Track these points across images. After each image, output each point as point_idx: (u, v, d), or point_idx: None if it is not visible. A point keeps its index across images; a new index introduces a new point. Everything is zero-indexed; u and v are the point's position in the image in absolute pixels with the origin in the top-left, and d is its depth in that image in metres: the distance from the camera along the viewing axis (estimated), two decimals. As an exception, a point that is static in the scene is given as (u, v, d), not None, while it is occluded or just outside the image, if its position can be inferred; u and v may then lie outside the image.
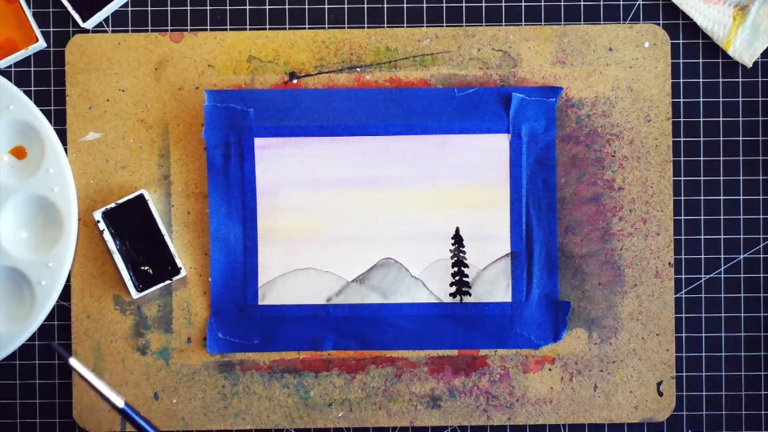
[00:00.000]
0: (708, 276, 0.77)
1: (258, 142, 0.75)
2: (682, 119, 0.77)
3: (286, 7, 0.77)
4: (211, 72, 0.76)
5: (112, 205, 0.74)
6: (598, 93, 0.76)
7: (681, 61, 0.77)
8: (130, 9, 0.77)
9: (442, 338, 0.76)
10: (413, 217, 0.76)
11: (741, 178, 0.77)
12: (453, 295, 0.76)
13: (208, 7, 0.77)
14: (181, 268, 0.74)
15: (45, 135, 0.75)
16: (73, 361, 0.64)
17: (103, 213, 0.74)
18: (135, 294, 0.74)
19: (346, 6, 0.77)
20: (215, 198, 0.75)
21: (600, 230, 0.76)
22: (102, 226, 0.74)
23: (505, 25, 0.77)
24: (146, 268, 0.75)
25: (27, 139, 0.76)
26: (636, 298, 0.76)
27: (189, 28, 0.77)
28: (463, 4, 0.77)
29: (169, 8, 0.77)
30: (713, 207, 0.77)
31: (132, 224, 0.74)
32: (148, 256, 0.75)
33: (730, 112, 0.77)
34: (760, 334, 0.77)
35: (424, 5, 0.77)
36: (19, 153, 0.76)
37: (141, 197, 0.74)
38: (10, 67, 0.77)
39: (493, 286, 0.76)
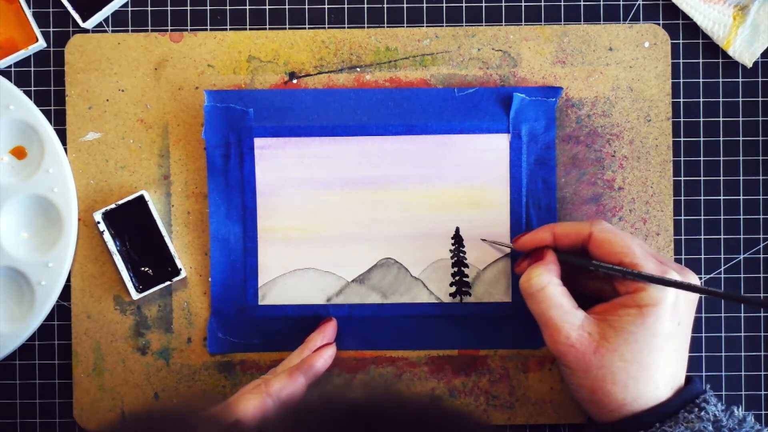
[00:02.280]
0: (708, 276, 0.77)
1: (258, 142, 0.75)
2: (682, 119, 0.77)
3: (286, 7, 0.77)
4: (210, 72, 0.76)
5: (113, 206, 0.74)
6: (598, 93, 0.76)
7: (681, 61, 0.77)
8: (130, 9, 0.77)
9: (442, 338, 0.76)
10: (413, 217, 0.76)
11: (741, 178, 0.77)
12: (453, 295, 0.76)
13: (208, 7, 0.77)
14: (181, 269, 0.74)
15: (45, 135, 0.75)
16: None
17: (104, 214, 0.74)
18: (135, 295, 0.74)
19: (346, 6, 0.77)
20: (215, 198, 0.75)
21: (600, 230, 0.76)
22: (102, 227, 0.74)
23: (505, 25, 0.77)
24: (146, 269, 0.75)
25: (27, 139, 0.76)
26: (636, 298, 0.76)
27: (189, 28, 0.77)
28: (463, 4, 0.77)
29: (169, 8, 0.77)
30: (713, 207, 0.77)
31: (132, 225, 0.74)
32: (149, 257, 0.75)
33: (730, 112, 0.77)
34: (760, 334, 0.77)
35: (424, 5, 0.77)
36: (19, 153, 0.76)
37: (141, 198, 0.74)
38: (10, 67, 0.77)
39: (493, 286, 0.76)
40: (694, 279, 0.67)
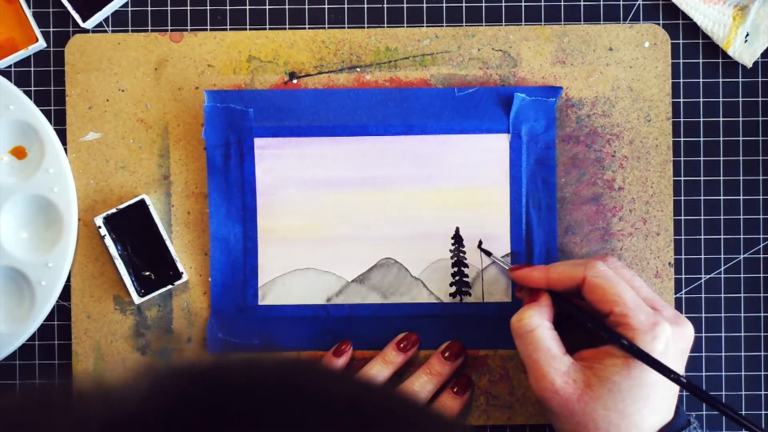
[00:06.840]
0: (708, 276, 0.77)
1: (258, 142, 0.75)
2: (682, 119, 0.77)
3: (286, 7, 0.77)
4: (211, 72, 0.76)
5: (113, 210, 0.74)
6: (598, 93, 0.76)
7: (681, 61, 0.77)
8: (130, 9, 0.77)
9: (442, 338, 0.76)
10: (413, 217, 0.76)
11: (741, 178, 0.77)
12: (453, 295, 0.76)
13: (208, 7, 0.77)
14: (182, 273, 0.74)
15: (45, 135, 0.75)
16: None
17: (104, 218, 0.74)
18: (137, 299, 0.74)
19: (346, 6, 0.77)
20: (215, 198, 0.75)
21: (600, 230, 0.76)
22: (103, 231, 0.74)
23: (505, 25, 0.77)
24: (148, 273, 0.75)
25: (27, 139, 0.76)
26: (636, 298, 0.76)
27: (189, 28, 0.77)
28: (463, 4, 0.77)
29: (169, 8, 0.77)
30: (713, 207, 0.77)
31: (133, 229, 0.74)
32: (150, 261, 0.74)
33: (730, 112, 0.77)
34: (760, 334, 0.77)
35: (424, 5, 0.77)
36: (19, 153, 0.76)
37: (142, 202, 0.74)
38: (10, 67, 0.77)
39: (493, 286, 0.76)
40: (689, 329, 0.66)
